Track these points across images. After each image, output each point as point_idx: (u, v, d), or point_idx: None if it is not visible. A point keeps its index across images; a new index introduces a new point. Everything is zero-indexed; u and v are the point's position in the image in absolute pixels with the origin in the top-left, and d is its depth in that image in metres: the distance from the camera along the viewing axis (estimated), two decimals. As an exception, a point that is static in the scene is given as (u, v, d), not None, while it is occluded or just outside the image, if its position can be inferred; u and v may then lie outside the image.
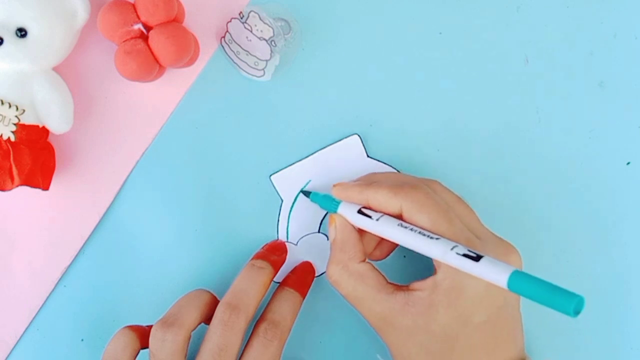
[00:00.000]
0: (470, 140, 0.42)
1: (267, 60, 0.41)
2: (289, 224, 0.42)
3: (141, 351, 0.39)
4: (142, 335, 0.39)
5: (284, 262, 0.42)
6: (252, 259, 0.41)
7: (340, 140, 0.42)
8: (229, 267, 0.43)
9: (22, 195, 0.41)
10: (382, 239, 0.40)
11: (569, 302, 0.28)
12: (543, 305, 0.29)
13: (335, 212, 0.39)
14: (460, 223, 0.36)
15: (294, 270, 0.42)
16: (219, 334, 0.37)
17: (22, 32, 0.38)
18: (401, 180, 0.39)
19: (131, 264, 0.43)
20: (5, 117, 0.38)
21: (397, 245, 0.40)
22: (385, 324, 0.37)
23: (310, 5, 0.42)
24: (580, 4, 0.42)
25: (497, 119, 0.42)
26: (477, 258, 0.32)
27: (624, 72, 0.42)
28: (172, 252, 0.43)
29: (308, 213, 0.42)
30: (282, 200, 0.42)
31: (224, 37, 0.42)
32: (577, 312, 0.28)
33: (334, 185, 0.39)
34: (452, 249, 0.33)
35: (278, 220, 0.42)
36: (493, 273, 0.31)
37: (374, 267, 0.38)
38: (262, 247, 0.42)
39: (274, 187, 0.42)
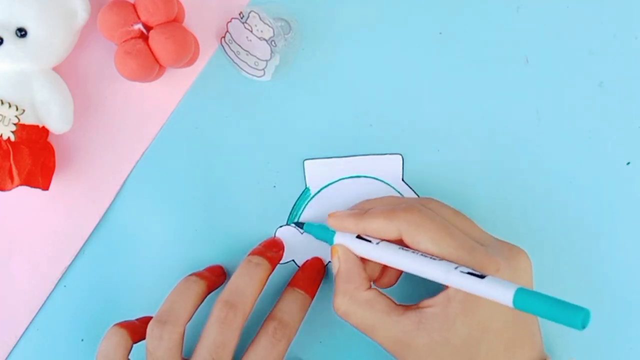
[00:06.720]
0: (470, 140, 0.42)
1: (267, 60, 0.41)
2: (302, 212, 0.42)
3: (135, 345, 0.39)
4: (133, 331, 0.39)
5: (280, 258, 0.42)
6: (248, 255, 0.41)
7: (383, 154, 0.42)
8: (229, 267, 0.43)
9: (22, 195, 0.41)
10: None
11: (576, 317, 0.28)
12: (551, 321, 0.29)
13: (332, 242, 0.39)
14: (462, 234, 0.36)
15: (304, 269, 0.42)
16: (216, 332, 0.37)
17: (22, 32, 0.38)
18: (395, 203, 0.39)
19: (131, 263, 0.43)
20: (5, 117, 0.38)
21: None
22: (402, 347, 0.36)
23: (310, 5, 0.42)
24: (580, 4, 0.42)
25: (497, 119, 0.42)
26: (482, 276, 0.32)
27: (624, 72, 0.42)
28: (172, 252, 0.43)
29: (323, 209, 0.42)
30: (306, 188, 0.42)
31: (224, 37, 0.42)
32: (584, 326, 0.28)
33: (330, 215, 0.39)
34: (455, 268, 0.33)
35: (293, 206, 0.42)
36: (497, 292, 0.31)
37: (381, 292, 0.37)
38: (259, 244, 0.42)
39: (304, 172, 0.42)
